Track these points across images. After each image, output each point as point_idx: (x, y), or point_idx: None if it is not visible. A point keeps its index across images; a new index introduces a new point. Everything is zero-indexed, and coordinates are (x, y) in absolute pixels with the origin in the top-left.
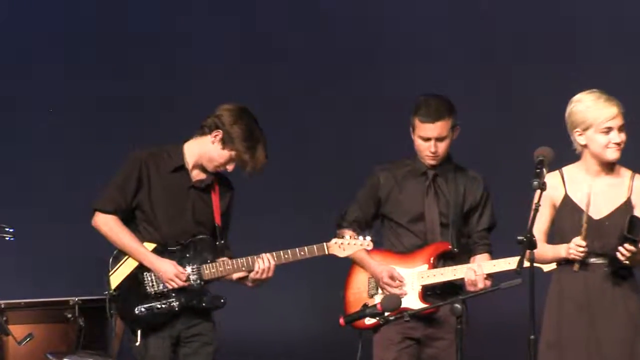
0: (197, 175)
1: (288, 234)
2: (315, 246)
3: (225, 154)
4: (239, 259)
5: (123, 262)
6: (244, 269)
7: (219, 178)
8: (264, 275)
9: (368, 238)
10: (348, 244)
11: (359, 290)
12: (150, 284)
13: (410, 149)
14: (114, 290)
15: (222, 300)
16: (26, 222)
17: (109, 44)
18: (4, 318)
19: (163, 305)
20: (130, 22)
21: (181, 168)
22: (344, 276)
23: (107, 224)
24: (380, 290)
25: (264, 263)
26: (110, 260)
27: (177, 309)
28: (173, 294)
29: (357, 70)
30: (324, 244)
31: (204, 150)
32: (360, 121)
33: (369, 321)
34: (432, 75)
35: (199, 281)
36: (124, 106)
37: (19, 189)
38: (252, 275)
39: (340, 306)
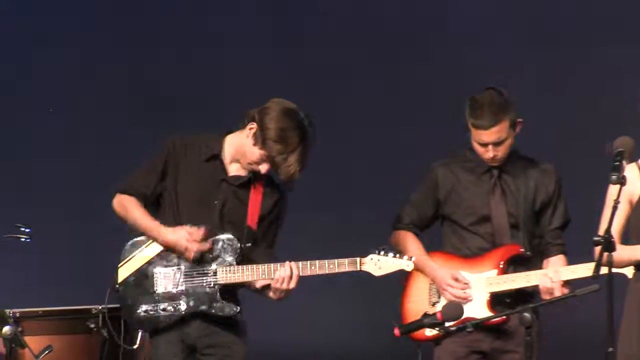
0: (235, 170)
1: (332, 236)
2: (347, 260)
3: (256, 152)
4: (260, 265)
5: (134, 255)
6: (263, 276)
7: (266, 178)
8: (285, 285)
9: (413, 259)
10: (385, 262)
11: (419, 298)
12: (160, 282)
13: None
14: (119, 284)
15: (234, 309)
16: (44, 222)
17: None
18: (20, 329)
19: (169, 307)
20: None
21: (215, 157)
22: (401, 282)
23: (121, 203)
24: (442, 298)
25: (286, 272)
26: (124, 249)
27: (183, 312)
28: (182, 296)
29: (405, 56)
30: (358, 259)
31: (240, 143)
32: (410, 113)
33: (429, 332)
34: (496, 61)
35: (212, 285)
36: (155, 106)
37: (36, 188)
38: (272, 284)
39: (396, 316)
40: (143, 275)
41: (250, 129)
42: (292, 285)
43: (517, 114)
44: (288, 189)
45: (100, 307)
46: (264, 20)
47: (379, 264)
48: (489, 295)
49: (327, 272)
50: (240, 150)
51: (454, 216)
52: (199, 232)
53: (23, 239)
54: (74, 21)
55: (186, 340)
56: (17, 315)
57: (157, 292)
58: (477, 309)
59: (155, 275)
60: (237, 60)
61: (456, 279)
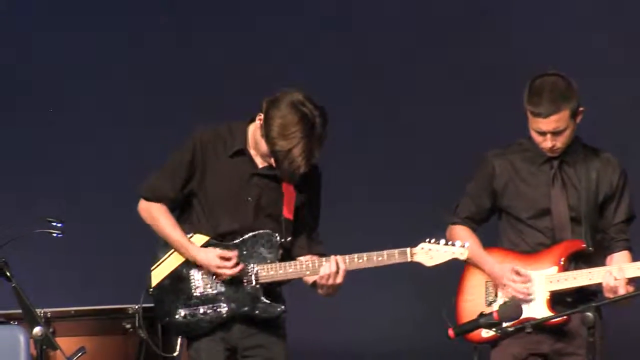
0: (264, 160)
1: (382, 229)
2: (396, 251)
3: (265, 144)
4: (304, 261)
5: (168, 256)
6: (307, 273)
7: None
8: (330, 281)
9: (467, 244)
10: (437, 251)
11: (475, 297)
12: (197, 284)
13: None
14: (154, 288)
15: (278, 310)
16: (77, 218)
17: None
18: (51, 329)
19: (209, 311)
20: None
21: (241, 152)
22: (456, 279)
23: (148, 211)
24: (500, 297)
25: (331, 267)
26: (156, 250)
27: (225, 315)
28: (222, 298)
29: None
30: (408, 249)
31: (256, 133)
32: (467, 97)
33: (486, 333)
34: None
35: (253, 284)
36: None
37: (67, 183)
38: (317, 280)
39: (451, 316)
40: (178, 278)
41: (259, 119)
42: (339, 280)
43: (579, 103)
44: (291, 181)
45: (136, 307)
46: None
47: (430, 254)
48: (548, 294)
49: (375, 264)
50: (255, 140)
51: (511, 209)
52: (230, 254)
53: (55, 234)
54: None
55: (228, 342)
56: (49, 315)
57: (195, 295)
58: (537, 309)
59: (191, 277)
60: (299, 44)
61: (517, 273)
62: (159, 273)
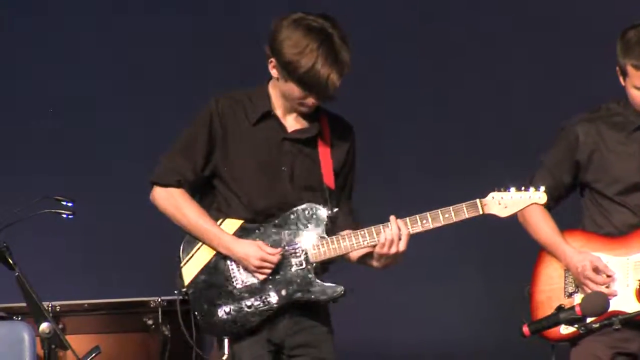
0: (293, 122)
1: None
2: (464, 205)
3: (292, 85)
4: (358, 231)
5: (198, 249)
6: (365, 243)
7: (330, 120)
8: (393, 249)
9: (542, 189)
10: (511, 199)
11: (552, 288)
12: (237, 275)
13: (618, 91)
14: (187, 287)
15: (338, 291)
16: (89, 196)
17: None
18: (61, 326)
19: (256, 303)
20: None
21: (268, 115)
22: (529, 268)
23: (166, 198)
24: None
25: (393, 231)
26: (182, 246)
27: (276, 305)
28: (270, 286)
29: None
30: (478, 200)
31: (279, 87)
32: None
33: (565, 330)
34: None
35: (304, 265)
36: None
37: (78, 156)
38: (377, 249)
39: (524, 309)
40: (214, 271)
41: (270, 63)
42: (402, 247)
43: None
44: (330, 101)
45: (159, 300)
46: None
47: (503, 202)
48: (638, 283)
49: (443, 223)
50: (282, 94)
51: (595, 184)
52: (275, 255)
53: (64, 215)
54: None
55: (273, 339)
56: (58, 309)
57: (236, 287)
58: (626, 301)
59: (229, 267)
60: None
61: (596, 269)
62: (190, 269)
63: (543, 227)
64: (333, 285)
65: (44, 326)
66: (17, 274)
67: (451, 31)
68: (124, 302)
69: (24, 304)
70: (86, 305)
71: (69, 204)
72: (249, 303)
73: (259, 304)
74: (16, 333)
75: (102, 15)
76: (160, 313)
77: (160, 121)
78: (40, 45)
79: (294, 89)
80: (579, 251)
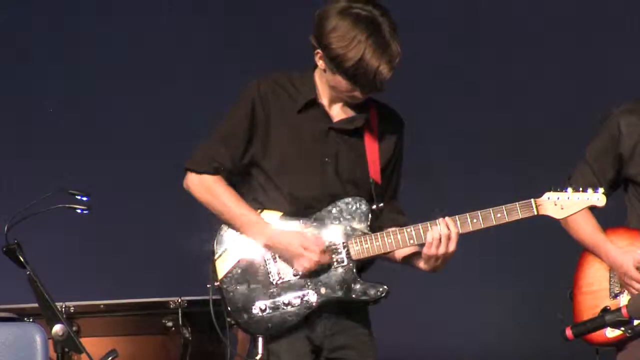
0: (340, 111)
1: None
2: (518, 205)
3: (338, 77)
4: (405, 228)
5: (234, 241)
6: (411, 242)
7: (379, 111)
8: (442, 249)
9: (600, 190)
10: (568, 199)
11: (596, 289)
12: (275, 270)
13: None
14: (221, 281)
15: (381, 290)
16: (107, 190)
17: None
18: (75, 328)
19: (294, 300)
20: None
21: (313, 104)
22: (571, 269)
23: (202, 185)
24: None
25: (442, 230)
26: (216, 238)
27: (315, 304)
28: (309, 283)
29: None
30: (532, 200)
31: (323, 77)
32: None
33: (610, 333)
34: None
35: (346, 262)
36: None
37: (95, 148)
38: (425, 249)
39: (567, 312)
40: (251, 265)
41: (317, 54)
42: (452, 247)
43: None
44: (379, 91)
45: (179, 300)
46: None
47: (559, 203)
48: None
49: (494, 223)
50: (330, 86)
51: (639, 178)
52: (319, 246)
53: (79, 211)
54: None
55: (313, 340)
56: (72, 310)
57: (274, 283)
58: None
59: (267, 261)
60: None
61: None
62: (225, 262)
63: (584, 226)
64: (376, 284)
65: (57, 328)
66: (28, 272)
67: (482, 21)
68: (142, 303)
69: (35, 305)
70: (102, 306)
71: (84, 199)
72: (286, 301)
73: (297, 302)
74: (28, 335)
75: (102, 15)
76: (180, 314)
77: (178, 118)
78: (40, 45)
79: (341, 82)
80: (624, 250)
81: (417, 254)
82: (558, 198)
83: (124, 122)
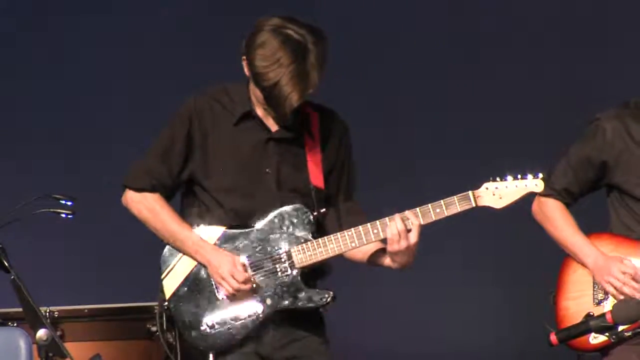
0: (277, 120)
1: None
2: (456, 198)
3: (256, 90)
4: (345, 232)
5: (179, 260)
6: (353, 244)
7: (320, 116)
8: (403, 243)
9: (539, 175)
10: (506, 189)
11: (579, 295)
12: (220, 286)
13: None
14: (169, 301)
15: (326, 297)
16: (90, 195)
17: None
18: (59, 332)
19: (241, 313)
20: None
21: (248, 116)
22: (554, 272)
23: (142, 202)
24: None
25: (398, 225)
26: (162, 258)
27: (262, 315)
28: (254, 295)
29: None
30: (470, 192)
31: (255, 88)
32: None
33: (594, 339)
34: None
35: (289, 271)
36: None
37: (77, 151)
38: (388, 247)
39: (550, 316)
40: (196, 282)
41: (243, 61)
42: (413, 239)
43: None
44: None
45: (164, 305)
46: None
47: (498, 193)
48: None
49: (434, 219)
50: (258, 97)
51: (625, 185)
52: (241, 273)
53: (64, 215)
54: None
55: (261, 352)
56: (56, 314)
57: (219, 298)
58: None
59: (211, 278)
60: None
61: (624, 271)
62: (171, 281)
63: (564, 228)
64: (321, 290)
65: (41, 333)
66: (12, 277)
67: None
68: (126, 308)
69: (19, 309)
70: (86, 310)
71: (69, 203)
72: (232, 315)
73: (244, 315)
74: (11, 340)
75: (101, 14)
76: (165, 319)
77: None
78: (40, 45)
79: (259, 95)
80: (606, 256)
81: (381, 253)
82: (496, 187)
83: (109, 122)
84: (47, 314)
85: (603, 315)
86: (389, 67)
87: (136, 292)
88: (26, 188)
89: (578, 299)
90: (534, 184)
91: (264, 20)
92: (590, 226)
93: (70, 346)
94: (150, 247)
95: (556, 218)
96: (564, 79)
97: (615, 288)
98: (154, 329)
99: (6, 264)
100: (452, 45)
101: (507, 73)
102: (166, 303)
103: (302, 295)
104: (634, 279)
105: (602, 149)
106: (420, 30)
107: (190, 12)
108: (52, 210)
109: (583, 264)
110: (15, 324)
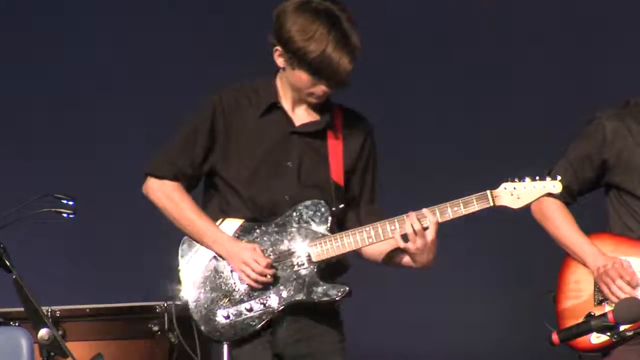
0: (303, 115)
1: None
2: (474, 197)
3: (300, 74)
4: (364, 227)
5: (196, 251)
6: (370, 240)
7: (344, 114)
8: (420, 242)
9: (558, 178)
10: (524, 189)
11: (580, 294)
12: (236, 277)
13: None
14: (185, 290)
15: (342, 290)
16: (92, 195)
17: None
18: (60, 332)
19: (256, 306)
20: None
21: (274, 107)
22: (555, 272)
23: (163, 191)
24: None
25: (414, 223)
26: (180, 249)
27: (277, 308)
28: (270, 288)
29: None
30: (488, 192)
31: (287, 78)
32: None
33: (596, 339)
34: None
35: (306, 265)
36: None
37: (80, 153)
38: (410, 246)
39: (550, 316)
40: (213, 273)
41: (276, 52)
42: (430, 236)
43: None
44: (343, 87)
45: (165, 304)
46: None
47: (516, 193)
48: None
49: (451, 217)
50: (291, 85)
51: (625, 184)
52: (262, 264)
53: (65, 214)
54: None
55: (274, 348)
56: (58, 314)
57: (236, 289)
58: None
59: (228, 269)
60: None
61: (620, 275)
62: (188, 272)
63: (564, 227)
64: (337, 285)
65: (43, 332)
66: (14, 276)
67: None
68: (128, 307)
69: (21, 309)
70: (88, 310)
71: (70, 203)
72: (248, 306)
73: (259, 307)
74: (13, 339)
75: (101, 14)
76: (166, 319)
77: (163, 121)
78: (40, 45)
79: (302, 77)
80: (605, 255)
81: (398, 252)
82: (514, 188)
83: (108, 122)
84: (49, 313)
85: (604, 315)
86: (389, 66)
87: (138, 292)
88: (26, 188)
89: (579, 299)
90: (551, 185)
91: (282, 7)
92: (590, 226)
93: (71, 346)
94: (152, 247)
95: (556, 217)
96: (563, 77)
97: (610, 291)
98: (155, 328)
99: (8, 263)
100: (453, 45)
101: (510, 73)
102: (182, 294)
103: (318, 289)
104: (629, 283)
105: (602, 148)
106: (422, 30)
107: (190, 12)
108: (54, 209)
109: (583, 263)
110: (17, 324)
